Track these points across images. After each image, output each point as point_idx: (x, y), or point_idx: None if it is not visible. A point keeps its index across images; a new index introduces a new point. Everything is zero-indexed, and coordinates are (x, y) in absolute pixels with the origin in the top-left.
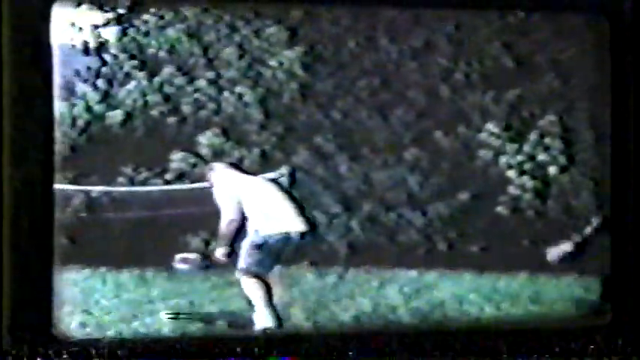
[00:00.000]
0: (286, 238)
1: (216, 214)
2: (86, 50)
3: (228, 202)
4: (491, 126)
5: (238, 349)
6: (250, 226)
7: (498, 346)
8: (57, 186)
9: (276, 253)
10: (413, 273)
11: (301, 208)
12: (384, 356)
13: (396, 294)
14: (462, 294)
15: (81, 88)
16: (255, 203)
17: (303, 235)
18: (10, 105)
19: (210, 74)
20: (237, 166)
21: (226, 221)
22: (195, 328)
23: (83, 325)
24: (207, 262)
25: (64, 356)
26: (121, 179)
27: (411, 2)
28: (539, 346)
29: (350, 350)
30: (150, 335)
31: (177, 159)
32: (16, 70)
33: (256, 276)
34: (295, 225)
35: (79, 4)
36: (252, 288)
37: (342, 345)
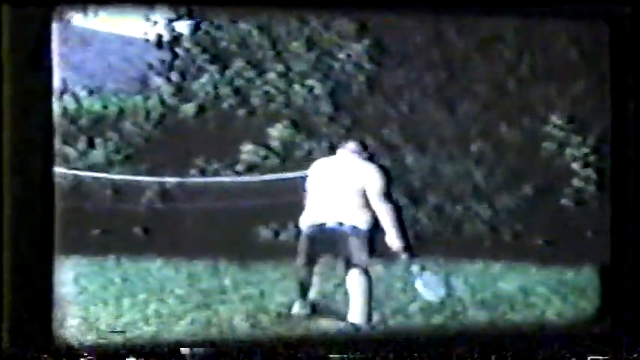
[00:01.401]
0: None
1: (286, 205)
2: (160, 44)
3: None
4: (555, 118)
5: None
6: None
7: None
8: (132, 177)
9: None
10: (479, 265)
11: None
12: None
13: (461, 285)
14: (528, 286)
15: (155, 81)
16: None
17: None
18: (10, 105)
19: (280, 67)
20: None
21: None
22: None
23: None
24: None
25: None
26: (193, 171)
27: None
28: (539, 346)
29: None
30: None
31: (247, 151)
32: (16, 70)
33: (365, 271)
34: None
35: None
36: (360, 283)
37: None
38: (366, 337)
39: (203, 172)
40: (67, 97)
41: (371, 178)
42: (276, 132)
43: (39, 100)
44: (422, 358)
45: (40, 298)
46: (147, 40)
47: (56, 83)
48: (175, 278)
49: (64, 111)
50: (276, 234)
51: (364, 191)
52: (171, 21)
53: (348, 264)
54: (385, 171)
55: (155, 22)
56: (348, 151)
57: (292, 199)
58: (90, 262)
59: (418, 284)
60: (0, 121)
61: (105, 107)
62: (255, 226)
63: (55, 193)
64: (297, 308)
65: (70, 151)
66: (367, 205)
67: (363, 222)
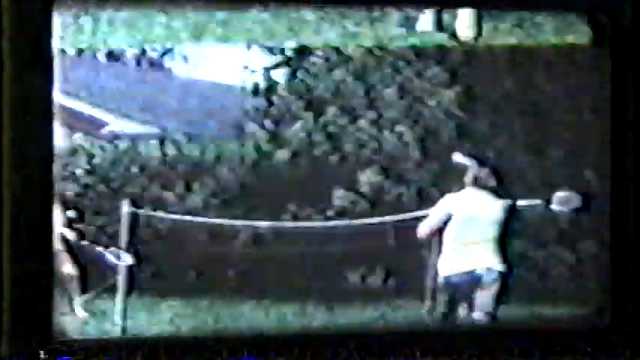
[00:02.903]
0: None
1: (374, 250)
2: (256, 91)
3: None
4: None
5: None
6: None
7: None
8: (227, 221)
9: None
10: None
11: None
12: None
13: None
14: None
15: (250, 127)
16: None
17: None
18: (10, 105)
19: (372, 114)
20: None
21: None
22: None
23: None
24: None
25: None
26: (285, 215)
27: None
28: (539, 346)
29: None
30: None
31: (338, 196)
32: (16, 70)
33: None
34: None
35: (249, 47)
36: None
37: None
38: None
39: (295, 217)
40: (167, 144)
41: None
42: (366, 177)
43: (39, 100)
44: None
45: (41, 295)
46: (243, 88)
47: (159, 130)
48: (266, 322)
49: (164, 157)
50: (363, 279)
51: (497, 229)
52: (267, 69)
53: (472, 309)
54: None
55: (252, 71)
56: (476, 185)
57: (380, 243)
58: (184, 304)
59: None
60: (0, 121)
61: (203, 153)
62: (343, 271)
63: (54, 192)
64: None
65: (169, 196)
66: (500, 244)
67: (496, 264)
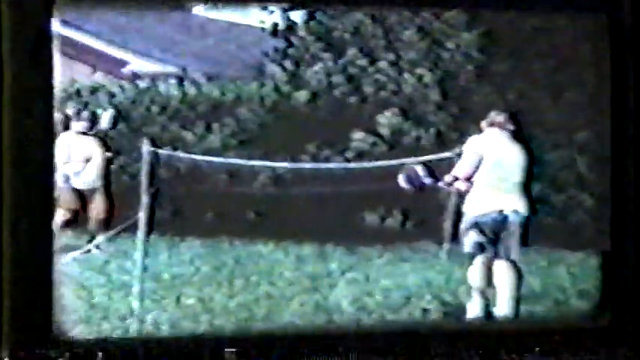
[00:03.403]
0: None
1: (392, 191)
2: (275, 32)
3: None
4: None
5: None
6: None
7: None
8: (246, 161)
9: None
10: (579, 254)
11: None
12: None
13: (564, 275)
14: None
15: (270, 68)
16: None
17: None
18: (10, 105)
19: (391, 56)
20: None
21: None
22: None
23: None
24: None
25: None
26: (304, 156)
27: None
28: (539, 345)
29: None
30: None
31: (357, 138)
32: (16, 70)
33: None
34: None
35: None
36: (510, 276)
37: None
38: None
39: (314, 158)
40: (186, 84)
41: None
42: (386, 120)
43: (39, 100)
44: None
45: (41, 295)
46: (263, 29)
47: (177, 70)
48: (285, 262)
49: (184, 96)
50: (382, 219)
51: (521, 173)
52: (286, 10)
53: (497, 254)
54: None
55: (271, 11)
56: (497, 128)
57: (398, 185)
58: (204, 244)
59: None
60: (0, 120)
61: (223, 94)
62: (362, 212)
63: (54, 192)
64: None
65: (189, 136)
66: (524, 187)
67: (522, 207)
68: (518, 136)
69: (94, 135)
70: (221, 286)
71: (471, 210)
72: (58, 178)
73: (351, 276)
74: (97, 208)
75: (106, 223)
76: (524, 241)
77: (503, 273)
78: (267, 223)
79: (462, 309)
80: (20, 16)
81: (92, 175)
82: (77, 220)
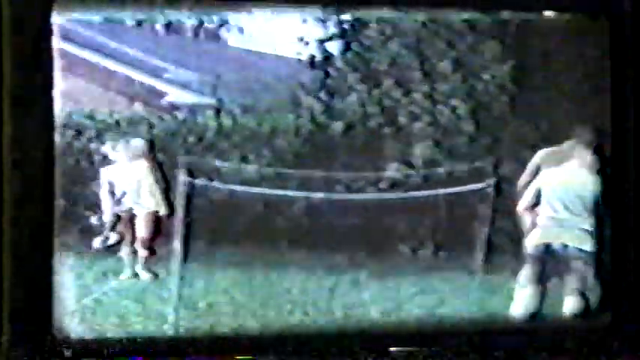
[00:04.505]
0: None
1: (425, 222)
2: (312, 63)
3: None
4: None
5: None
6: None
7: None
8: (281, 191)
9: None
10: None
11: None
12: None
13: None
14: None
15: (305, 99)
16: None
17: None
18: (10, 105)
19: (426, 87)
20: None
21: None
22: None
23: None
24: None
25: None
26: (338, 187)
27: None
28: (539, 345)
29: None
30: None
31: (391, 169)
32: (16, 70)
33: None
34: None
35: (304, 20)
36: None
37: None
38: None
39: (348, 189)
40: (223, 114)
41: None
42: (419, 150)
43: (39, 101)
44: None
45: (41, 295)
46: (299, 60)
47: (213, 101)
48: (318, 291)
49: (220, 127)
50: (413, 251)
51: (592, 209)
52: (322, 41)
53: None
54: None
55: (307, 43)
56: (578, 161)
57: (432, 217)
58: (239, 273)
59: None
60: (0, 120)
61: (259, 124)
62: (395, 242)
63: (55, 191)
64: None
65: (224, 166)
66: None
67: (589, 243)
68: (598, 171)
69: (140, 160)
70: (255, 315)
71: (531, 241)
72: (105, 204)
73: (384, 306)
74: (141, 233)
75: (147, 250)
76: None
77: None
78: (301, 253)
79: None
80: (20, 17)
81: (139, 199)
82: (120, 244)
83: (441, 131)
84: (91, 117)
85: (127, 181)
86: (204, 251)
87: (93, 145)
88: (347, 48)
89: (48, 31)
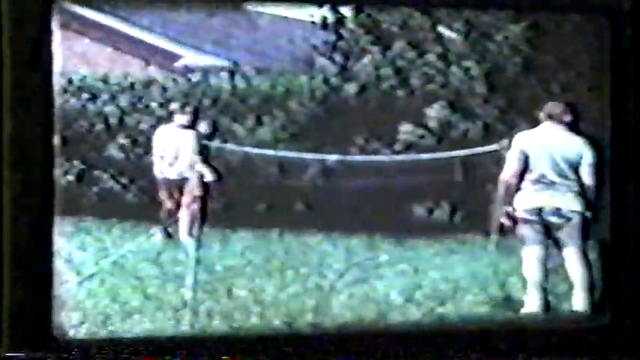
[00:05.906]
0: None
1: (440, 184)
2: (324, 25)
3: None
4: None
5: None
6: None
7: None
8: (296, 154)
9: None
10: None
11: None
12: None
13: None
14: None
15: (319, 61)
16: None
17: None
18: (10, 105)
19: (439, 49)
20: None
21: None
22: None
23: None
24: None
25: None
26: (353, 149)
27: None
28: (539, 345)
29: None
30: (154, 335)
31: (405, 131)
32: (16, 70)
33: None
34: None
35: None
36: (580, 267)
37: None
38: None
39: (363, 151)
40: (237, 77)
41: (585, 154)
42: (433, 112)
43: (39, 100)
44: None
45: (41, 295)
46: (312, 22)
47: (228, 63)
48: (334, 253)
49: (235, 90)
50: (430, 211)
51: (578, 169)
52: (335, 3)
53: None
54: (597, 144)
55: (320, 5)
56: (552, 121)
57: (446, 178)
58: (255, 236)
59: None
60: (0, 121)
61: (273, 87)
62: (410, 204)
63: (55, 191)
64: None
65: (239, 129)
66: (582, 184)
67: (578, 205)
68: (576, 129)
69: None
70: (272, 278)
71: (519, 205)
72: (157, 170)
73: (400, 268)
74: (189, 198)
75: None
76: (584, 237)
77: (571, 265)
78: (317, 215)
79: (510, 302)
80: (20, 17)
81: (184, 166)
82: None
83: (454, 92)
84: (104, 80)
85: (176, 147)
86: (221, 214)
87: (107, 109)
88: (359, 10)
89: (48, 32)
